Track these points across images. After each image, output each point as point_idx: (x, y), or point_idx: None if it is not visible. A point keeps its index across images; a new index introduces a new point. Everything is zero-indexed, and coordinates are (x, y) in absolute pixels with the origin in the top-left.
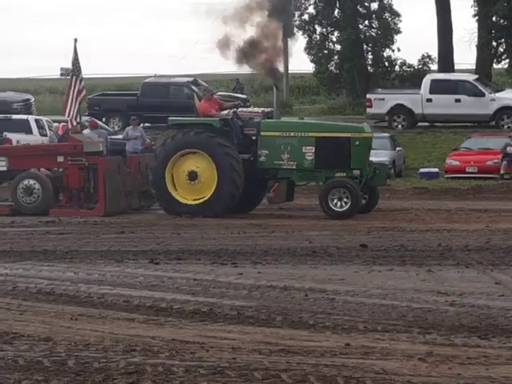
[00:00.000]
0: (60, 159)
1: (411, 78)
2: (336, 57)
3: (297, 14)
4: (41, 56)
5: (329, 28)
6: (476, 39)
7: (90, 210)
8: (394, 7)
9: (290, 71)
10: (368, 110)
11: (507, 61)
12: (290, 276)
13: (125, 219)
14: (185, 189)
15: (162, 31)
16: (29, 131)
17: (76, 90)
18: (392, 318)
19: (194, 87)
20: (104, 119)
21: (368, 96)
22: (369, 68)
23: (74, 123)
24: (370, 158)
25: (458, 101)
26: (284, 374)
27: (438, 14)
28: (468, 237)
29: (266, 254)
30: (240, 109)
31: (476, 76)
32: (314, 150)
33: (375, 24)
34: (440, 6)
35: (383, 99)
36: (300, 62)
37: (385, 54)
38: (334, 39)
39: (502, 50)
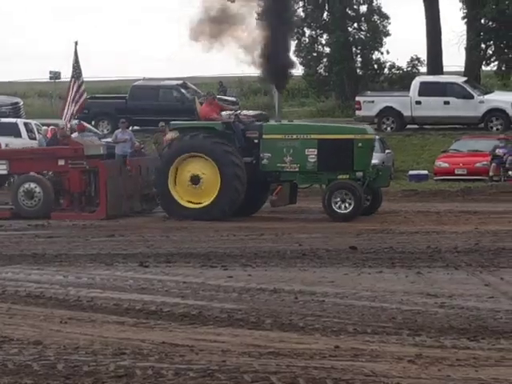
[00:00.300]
0: (61, 162)
1: (400, 80)
2: (325, 59)
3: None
4: (30, 59)
5: (318, 31)
6: (465, 41)
7: (91, 214)
8: (382, 10)
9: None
10: (357, 112)
11: (496, 63)
12: (280, 278)
13: (114, 222)
14: (186, 192)
15: (156, 33)
16: (18, 134)
17: (75, 92)
18: (381, 320)
19: (183, 90)
20: (93, 122)
21: (357, 98)
22: (358, 70)
23: (69, 126)
24: None
25: (446, 103)
26: (274, 377)
27: (426, 16)
28: (457, 239)
29: (256, 257)
30: (227, 112)
31: (465, 78)
32: (316, 152)
33: (364, 27)
34: (429, 8)
35: (372, 102)
36: None
37: (374, 57)
38: (323, 42)
39: (490, 52)
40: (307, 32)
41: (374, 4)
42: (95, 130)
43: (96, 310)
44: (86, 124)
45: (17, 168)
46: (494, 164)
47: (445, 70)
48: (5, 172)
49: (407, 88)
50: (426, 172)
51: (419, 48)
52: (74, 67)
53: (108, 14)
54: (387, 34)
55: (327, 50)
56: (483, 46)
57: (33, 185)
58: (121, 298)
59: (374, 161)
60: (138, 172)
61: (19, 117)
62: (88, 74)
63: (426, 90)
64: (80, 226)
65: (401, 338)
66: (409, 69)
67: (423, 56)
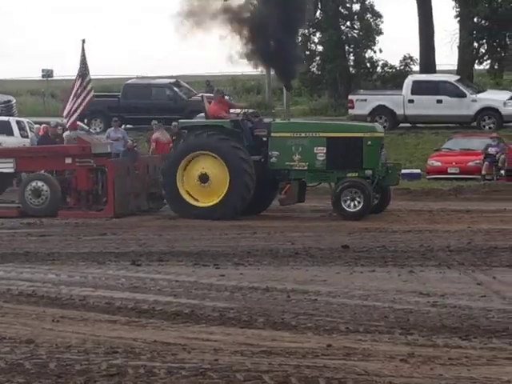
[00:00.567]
0: (68, 161)
1: (393, 79)
2: (318, 58)
3: None
4: (22, 57)
5: (310, 29)
6: (457, 40)
7: (98, 212)
8: (375, 8)
9: (271, 72)
10: (350, 111)
11: (488, 62)
12: (272, 277)
13: (107, 221)
14: (195, 191)
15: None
16: (10, 133)
17: (80, 90)
18: (374, 318)
19: (175, 88)
20: (85, 120)
21: (350, 97)
22: (351, 69)
23: (69, 123)
24: None
25: (439, 102)
26: (266, 376)
27: (419, 15)
28: (450, 237)
29: (248, 256)
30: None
31: (457, 77)
32: (325, 151)
33: (357, 25)
34: (422, 7)
35: (365, 100)
36: None
37: (367, 55)
38: (316, 40)
39: (483, 50)
40: (300, 30)
41: (366, 2)
42: (87, 128)
43: (88, 309)
44: (78, 122)
45: (24, 166)
46: (486, 163)
47: (437, 68)
48: (12, 170)
49: (400, 86)
50: (418, 171)
51: (412, 46)
52: (81, 65)
53: (108, 14)
54: (380, 33)
55: (320, 48)
56: (476, 44)
57: (40, 183)
58: (113, 297)
59: None
60: (146, 170)
61: (12, 115)
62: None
63: (419, 88)
64: (72, 225)
65: (393, 336)
66: (401, 67)
67: (416, 55)
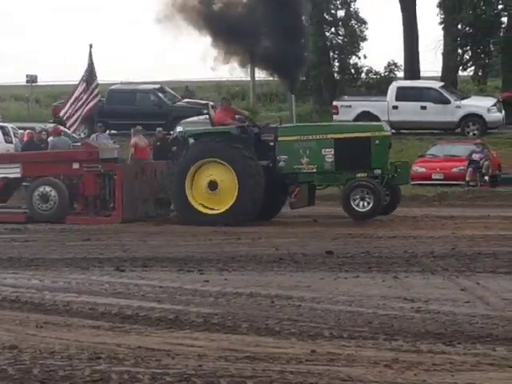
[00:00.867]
0: (75, 166)
1: (377, 85)
2: None
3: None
4: (6, 63)
5: None
6: (442, 47)
7: (106, 218)
8: (360, 15)
9: (256, 78)
10: (334, 117)
11: (472, 68)
12: (257, 283)
13: (91, 226)
14: (205, 199)
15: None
16: None
17: (82, 95)
18: (358, 324)
19: (160, 94)
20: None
21: (334, 103)
22: (335, 75)
23: (68, 126)
24: None
25: (423, 108)
26: (250, 381)
27: (403, 21)
28: (434, 243)
29: (233, 261)
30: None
31: (442, 83)
32: (333, 152)
33: (342, 31)
34: (406, 13)
35: (350, 106)
36: None
37: (351, 62)
38: None
39: (467, 57)
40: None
41: (351, 9)
42: (72, 133)
43: (72, 315)
44: (62, 128)
45: (30, 171)
46: (470, 169)
47: (422, 75)
48: (18, 175)
49: (384, 93)
50: None
51: (396, 53)
52: (86, 70)
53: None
54: (364, 39)
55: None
56: (460, 51)
57: (48, 188)
58: (97, 303)
59: None
60: (153, 175)
61: None
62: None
63: (403, 94)
64: (57, 230)
65: (377, 342)
66: (386, 74)
67: (400, 61)
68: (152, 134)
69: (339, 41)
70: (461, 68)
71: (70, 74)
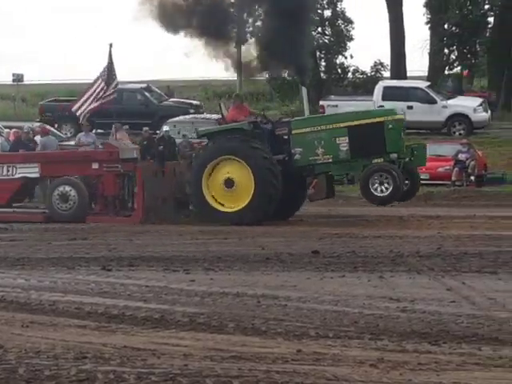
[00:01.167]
0: (95, 166)
1: (364, 84)
2: None
3: (250, 20)
4: None
5: None
6: (428, 46)
7: (126, 218)
8: (346, 14)
9: (243, 78)
10: None
11: (459, 68)
12: (243, 282)
13: (77, 226)
14: (222, 197)
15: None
16: None
17: (97, 91)
18: (344, 324)
19: (147, 93)
20: (56, 125)
21: (321, 103)
22: (322, 75)
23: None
24: None
25: (410, 108)
26: (236, 381)
27: (390, 21)
28: (420, 243)
29: (219, 261)
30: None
31: (428, 83)
32: (347, 140)
33: (328, 31)
34: (393, 13)
35: (336, 106)
36: None
37: (338, 61)
38: None
39: (453, 57)
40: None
41: (338, 9)
42: (58, 133)
43: (58, 314)
44: (48, 127)
45: (49, 171)
46: (456, 169)
47: (408, 74)
48: (37, 175)
49: (371, 92)
50: None
51: (383, 53)
52: (107, 69)
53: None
54: (351, 39)
55: None
56: (446, 51)
57: (68, 188)
58: (83, 302)
59: None
60: (172, 175)
61: None
62: (84, 76)
63: (390, 94)
64: (42, 229)
65: (363, 342)
66: (372, 73)
67: (387, 61)
68: (138, 133)
69: (326, 40)
70: (447, 68)
71: (69, 74)
